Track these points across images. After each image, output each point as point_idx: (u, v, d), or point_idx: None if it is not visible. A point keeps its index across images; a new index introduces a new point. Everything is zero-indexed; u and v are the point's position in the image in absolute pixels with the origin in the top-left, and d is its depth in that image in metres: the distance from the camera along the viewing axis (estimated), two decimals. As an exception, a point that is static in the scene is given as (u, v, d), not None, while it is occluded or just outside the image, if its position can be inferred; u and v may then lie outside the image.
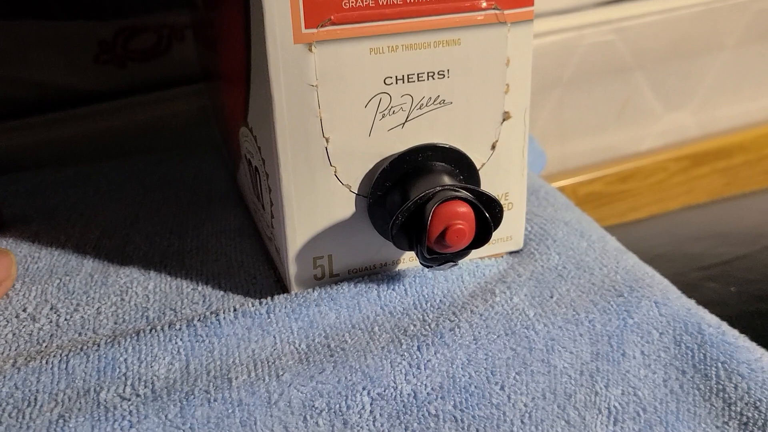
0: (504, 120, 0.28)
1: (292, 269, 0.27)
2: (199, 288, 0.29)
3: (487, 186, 0.28)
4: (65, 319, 0.27)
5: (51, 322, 0.27)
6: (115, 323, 0.27)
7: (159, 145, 0.51)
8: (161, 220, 0.36)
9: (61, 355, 0.24)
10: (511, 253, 0.30)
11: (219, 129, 0.42)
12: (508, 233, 0.30)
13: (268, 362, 0.24)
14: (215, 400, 0.22)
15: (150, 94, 0.52)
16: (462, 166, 0.27)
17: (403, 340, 0.25)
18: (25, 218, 0.37)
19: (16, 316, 0.28)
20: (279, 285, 0.29)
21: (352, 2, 0.24)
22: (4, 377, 0.23)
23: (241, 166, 0.33)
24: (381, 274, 0.28)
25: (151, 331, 0.25)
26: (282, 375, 0.23)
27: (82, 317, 0.28)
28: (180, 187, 0.41)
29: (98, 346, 0.25)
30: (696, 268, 0.48)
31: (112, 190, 0.41)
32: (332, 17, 0.24)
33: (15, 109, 0.50)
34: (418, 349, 0.24)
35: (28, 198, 0.40)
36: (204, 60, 0.42)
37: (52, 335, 0.27)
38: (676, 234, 0.56)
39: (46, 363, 0.24)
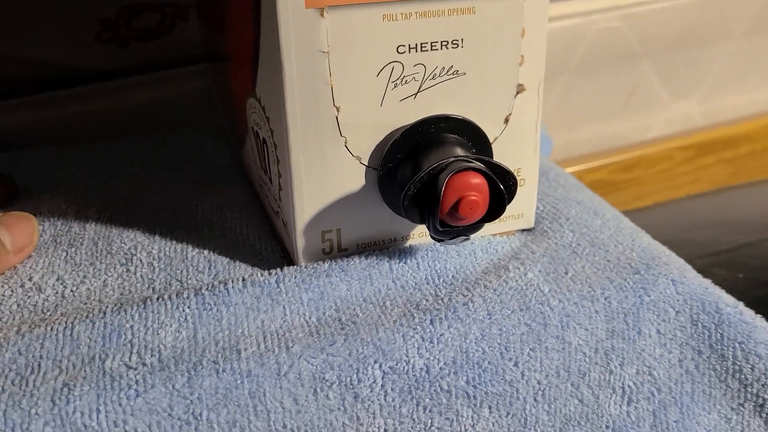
0: (518, 93, 0.27)
1: (299, 242, 0.27)
2: (205, 257, 0.29)
3: (499, 160, 0.27)
4: (71, 291, 0.27)
5: (57, 293, 0.27)
6: (121, 294, 0.26)
7: (160, 125, 0.50)
8: (164, 197, 0.36)
9: (66, 322, 0.24)
10: (522, 231, 0.30)
11: (224, 107, 0.41)
12: (520, 210, 0.29)
13: (277, 334, 0.23)
14: (224, 371, 0.22)
15: (152, 74, 0.51)
16: (475, 139, 0.27)
17: (415, 314, 0.24)
18: (27, 193, 0.37)
19: (21, 286, 0.27)
20: (286, 260, 0.29)
21: (366, -33, 0.24)
22: (8, 343, 0.23)
23: (247, 140, 0.32)
24: (392, 248, 0.28)
25: (158, 299, 0.25)
26: (292, 347, 0.23)
27: (89, 289, 0.27)
28: (183, 166, 0.40)
29: (104, 313, 0.24)
30: (703, 255, 0.47)
31: (115, 168, 0.40)
32: (346, -18, 0.23)
33: (15, 88, 0.49)
34: (431, 323, 0.24)
35: (30, 175, 0.40)
36: (208, 39, 0.41)
37: (57, 306, 0.26)
38: (682, 222, 0.56)
39: (51, 329, 0.23)
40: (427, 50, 0.25)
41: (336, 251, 0.27)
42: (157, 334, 0.24)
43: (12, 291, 0.27)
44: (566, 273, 0.26)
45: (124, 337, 0.23)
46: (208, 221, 0.32)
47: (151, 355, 0.23)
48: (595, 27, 0.59)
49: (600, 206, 0.31)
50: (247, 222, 0.32)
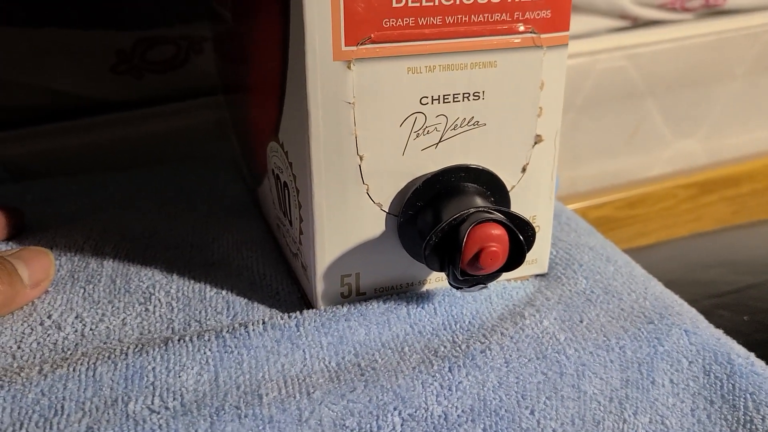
0: (536, 143, 0.28)
1: (319, 286, 0.27)
2: (223, 297, 0.29)
3: (516, 208, 0.28)
4: (90, 329, 0.27)
5: (76, 331, 0.27)
6: (141, 334, 0.27)
7: (173, 156, 0.51)
8: (180, 232, 0.36)
9: (88, 362, 0.24)
10: (536, 276, 0.30)
11: (238, 142, 0.42)
12: (534, 256, 0.30)
13: (298, 379, 0.24)
14: (246, 417, 0.22)
15: (165, 106, 0.52)
16: (493, 188, 0.27)
17: (434, 361, 0.24)
18: (41, 225, 0.37)
19: (41, 324, 0.27)
20: (303, 301, 0.29)
21: (392, 21, 0.24)
22: (31, 383, 0.23)
23: (265, 180, 0.33)
24: (409, 292, 0.28)
25: (179, 340, 0.25)
26: (313, 393, 0.23)
27: (108, 327, 0.27)
28: (197, 199, 0.41)
29: (125, 354, 0.24)
30: (708, 296, 0.48)
31: (128, 199, 0.41)
32: (372, 35, 0.24)
33: (30, 117, 0.50)
34: (450, 370, 0.24)
35: (44, 206, 0.40)
36: (226, 73, 0.42)
37: (76, 344, 0.26)
38: (686, 261, 0.56)
39: (73, 370, 0.24)
40: (449, 102, 0.26)
41: (354, 295, 0.28)
42: (179, 376, 0.24)
43: (32, 329, 0.27)
44: (581, 321, 0.27)
45: (146, 379, 0.24)
46: (225, 259, 0.33)
47: (174, 399, 0.23)
48: (600, 66, 0.60)
49: (612, 252, 0.32)
50: (264, 261, 0.32)
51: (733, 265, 0.53)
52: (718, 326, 0.29)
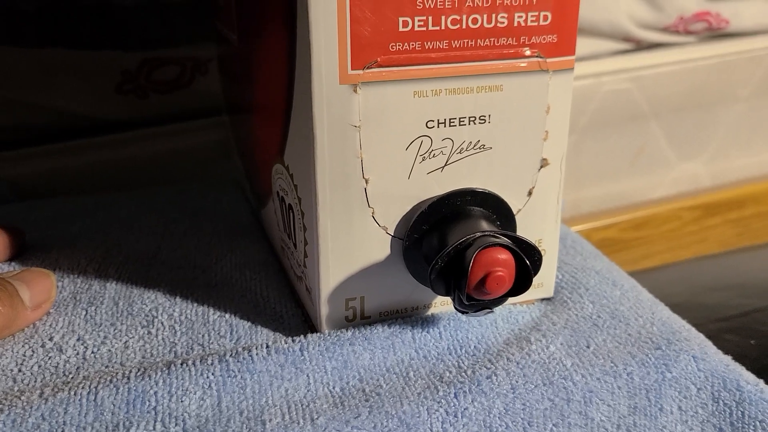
0: (542, 167, 0.28)
1: (323, 310, 0.27)
2: (226, 320, 0.29)
3: (522, 232, 0.28)
4: (92, 352, 0.27)
5: (78, 354, 0.27)
6: (143, 357, 0.27)
7: (177, 176, 0.51)
8: (183, 252, 0.36)
9: (89, 386, 0.24)
10: (542, 300, 0.30)
11: (242, 163, 0.42)
12: (540, 280, 0.30)
13: (302, 404, 0.23)
14: (249, 443, 0.22)
15: (169, 126, 0.52)
16: (499, 212, 0.27)
17: (439, 387, 0.24)
18: (45, 246, 0.37)
19: (42, 346, 0.27)
20: (307, 324, 0.29)
21: (399, 45, 0.24)
22: (31, 407, 0.23)
23: (270, 203, 0.33)
24: (414, 316, 0.28)
25: (182, 364, 0.25)
26: (317, 419, 0.23)
27: (110, 350, 0.27)
28: (200, 219, 0.40)
29: (127, 378, 0.24)
30: (714, 320, 0.47)
31: (132, 219, 0.41)
32: (379, 59, 0.24)
33: (35, 136, 0.50)
34: (455, 396, 0.24)
35: (48, 225, 0.40)
36: (231, 94, 0.42)
37: (78, 368, 0.26)
38: (691, 284, 0.56)
39: (74, 394, 0.23)
40: (455, 125, 0.26)
41: (359, 319, 0.28)
42: (181, 401, 0.24)
43: (33, 351, 0.27)
44: (588, 347, 0.26)
45: (148, 403, 0.23)
46: (228, 281, 0.33)
47: (176, 424, 0.23)
48: (604, 88, 0.60)
49: (618, 276, 0.31)
50: (267, 283, 0.32)
51: (739, 289, 0.52)
52: (724, 351, 0.29)
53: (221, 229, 0.39)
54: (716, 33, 0.63)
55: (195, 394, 0.24)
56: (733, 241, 0.65)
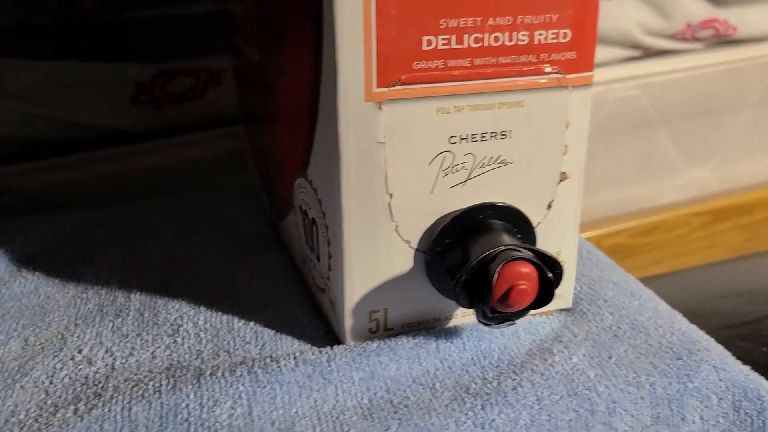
0: (561, 180, 0.28)
1: (347, 322, 0.27)
2: (251, 328, 0.29)
3: (541, 244, 0.28)
4: (121, 363, 0.27)
5: (107, 365, 0.27)
6: (170, 365, 0.27)
7: (192, 186, 0.51)
8: (202, 264, 0.36)
9: (122, 402, 0.24)
10: (561, 310, 0.30)
11: (259, 174, 0.42)
12: (559, 291, 0.30)
13: (331, 416, 0.24)
14: (281, 456, 0.22)
15: (184, 136, 0.52)
16: (519, 225, 0.27)
17: (466, 398, 0.25)
18: (66, 259, 0.37)
19: (72, 359, 0.28)
20: (329, 336, 0.29)
21: (422, 63, 0.25)
22: (68, 426, 0.23)
23: (291, 215, 0.33)
24: (436, 328, 0.28)
25: (211, 375, 0.25)
26: (347, 431, 0.23)
27: (138, 361, 0.28)
28: (217, 230, 0.41)
29: (159, 393, 0.25)
30: (725, 327, 0.48)
31: (150, 230, 0.41)
32: (403, 77, 0.25)
33: (51, 148, 0.50)
34: (482, 408, 0.24)
35: (66, 237, 0.40)
36: (248, 105, 0.42)
37: (107, 377, 0.26)
38: (701, 290, 0.56)
39: (108, 410, 0.24)
40: (477, 141, 0.26)
41: (382, 330, 0.28)
42: (213, 411, 0.24)
43: (63, 364, 0.28)
44: (610, 358, 0.27)
45: (180, 416, 0.24)
46: (248, 291, 0.33)
47: (208, 437, 0.23)
48: (613, 96, 0.60)
49: (635, 287, 0.32)
50: (287, 294, 0.33)
51: (750, 295, 0.53)
52: (737, 358, 0.29)
53: (238, 240, 0.39)
54: (724, 40, 0.63)
55: (226, 404, 0.24)
56: (743, 247, 0.65)
